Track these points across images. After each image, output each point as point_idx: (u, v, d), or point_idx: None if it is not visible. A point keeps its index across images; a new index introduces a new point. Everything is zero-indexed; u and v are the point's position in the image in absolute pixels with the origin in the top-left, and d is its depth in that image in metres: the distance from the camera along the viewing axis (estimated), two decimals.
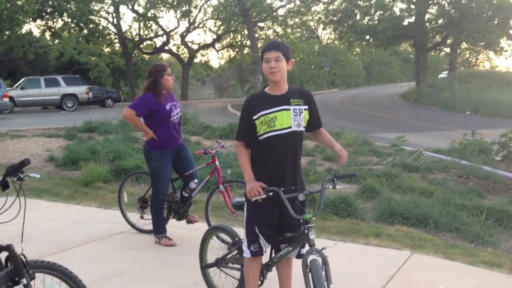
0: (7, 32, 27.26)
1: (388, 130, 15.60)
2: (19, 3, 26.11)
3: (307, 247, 2.81)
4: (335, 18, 35.58)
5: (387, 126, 17.45)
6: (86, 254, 4.54)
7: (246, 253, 3.00)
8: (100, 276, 3.93)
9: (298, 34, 37.05)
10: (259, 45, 33.74)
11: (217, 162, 4.88)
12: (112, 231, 5.24)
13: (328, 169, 8.03)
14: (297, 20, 38.50)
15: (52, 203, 6.54)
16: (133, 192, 6.52)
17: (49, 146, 9.91)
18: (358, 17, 34.55)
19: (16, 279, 2.42)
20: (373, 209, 6.11)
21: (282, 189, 2.78)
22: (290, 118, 2.87)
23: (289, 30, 37.81)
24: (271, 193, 2.75)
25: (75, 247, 4.72)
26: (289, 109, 2.88)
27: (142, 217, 5.16)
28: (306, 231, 2.77)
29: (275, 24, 36.70)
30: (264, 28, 37.36)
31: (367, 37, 35.42)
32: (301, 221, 2.80)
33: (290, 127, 2.87)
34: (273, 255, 3.08)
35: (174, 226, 5.02)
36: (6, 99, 19.72)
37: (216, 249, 3.59)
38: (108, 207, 6.36)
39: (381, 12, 33.02)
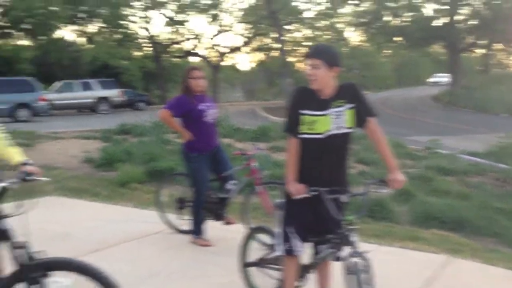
0: (42, 37, 28.00)
1: (421, 133, 15.40)
2: (54, 8, 26.76)
3: (348, 249, 2.81)
4: (364, 20, 35.30)
5: (420, 129, 17.23)
6: (124, 253, 4.64)
7: (279, 251, 3.04)
8: (138, 275, 4.02)
9: (329, 37, 36.82)
10: (288, 48, 33.76)
11: (254, 164, 4.94)
12: (149, 230, 5.35)
13: (360, 172, 8.00)
14: (325, 22, 38.35)
15: (91, 203, 6.72)
16: (169, 192, 6.63)
17: (86, 148, 10.17)
18: (387, 18, 34.20)
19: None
20: (408, 213, 6.06)
21: (325, 189, 2.80)
22: (330, 122, 2.85)
23: (317, 33, 37.67)
24: (314, 193, 2.78)
25: (113, 246, 4.83)
26: (330, 114, 2.85)
27: (180, 218, 5.25)
28: (347, 233, 2.79)
29: (303, 27, 36.65)
30: (292, 31, 37.34)
31: (397, 38, 35.01)
32: (342, 223, 2.81)
33: (329, 131, 2.85)
34: (314, 256, 3.10)
35: (211, 227, 5.08)
36: (43, 102, 20.27)
37: (256, 249, 3.64)
38: (144, 207, 6.48)
39: (411, 13, 32.60)
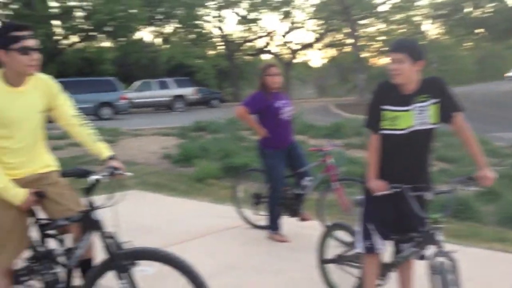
0: (123, 39, 29.36)
1: (506, 129, 14.53)
2: (133, 11, 27.98)
3: (432, 248, 2.72)
4: (442, 12, 33.85)
5: (505, 125, 16.26)
6: (204, 246, 4.76)
7: (359, 248, 3.00)
8: (217, 267, 4.10)
9: (405, 30, 35.68)
10: (361, 43, 33.11)
11: (330, 160, 4.89)
12: (226, 225, 5.45)
13: (442, 170, 7.69)
14: (401, 15, 37.19)
15: (170, 197, 6.97)
16: (245, 188, 6.73)
17: (164, 144, 10.55)
18: (468, 9, 32.56)
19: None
20: (494, 212, 5.74)
21: (408, 186, 2.72)
22: (413, 118, 2.77)
23: (392, 27, 36.61)
24: (396, 190, 2.71)
25: (193, 239, 4.98)
26: (413, 109, 2.77)
27: (256, 213, 5.32)
28: (432, 232, 2.69)
29: (377, 21, 35.76)
30: (366, 26, 36.56)
31: (479, 30, 33.25)
32: (427, 221, 2.72)
33: (412, 126, 2.77)
34: (395, 255, 3.03)
35: (286, 223, 5.10)
36: (124, 101, 21.27)
37: (334, 246, 3.61)
38: (221, 202, 6.62)
39: (494, 3, 30.82)
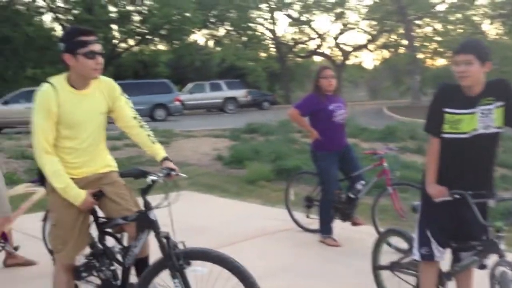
0: (177, 42, 30.00)
1: None
2: (188, 14, 28.55)
3: (494, 257, 2.62)
4: (503, 12, 32.44)
5: None
6: (255, 248, 4.77)
7: (416, 256, 2.92)
8: (268, 270, 4.09)
9: (462, 31, 34.45)
10: (417, 44, 32.27)
11: (385, 164, 4.80)
12: (277, 227, 5.45)
13: (502, 176, 7.37)
14: (459, 15, 35.95)
15: (221, 199, 7.05)
16: (296, 191, 6.70)
17: (216, 146, 10.68)
18: None
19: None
20: None
21: (470, 192, 2.63)
22: (476, 121, 2.67)
23: (450, 27, 35.43)
24: (457, 196, 2.62)
25: (244, 241, 5.00)
26: (477, 112, 2.66)
27: (307, 216, 5.29)
28: (495, 241, 2.59)
29: (434, 21, 34.72)
30: (422, 26, 35.59)
31: None
32: (489, 229, 2.61)
33: (475, 130, 2.67)
34: (454, 263, 2.93)
35: (338, 227, 5.04)
36: (177, 103, 21.72)
37: (389, 252, 3.53)
38: (272, 204, 6.63)
39: None
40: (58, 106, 2.60)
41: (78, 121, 2.68)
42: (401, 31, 33.58)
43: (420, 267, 2.97)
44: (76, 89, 2.68)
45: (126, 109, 2.88)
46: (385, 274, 3.48)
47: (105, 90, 2.79)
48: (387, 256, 3.49)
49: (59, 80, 2.67)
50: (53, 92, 2.60)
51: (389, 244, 3.91)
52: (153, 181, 2.61)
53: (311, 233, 5.22)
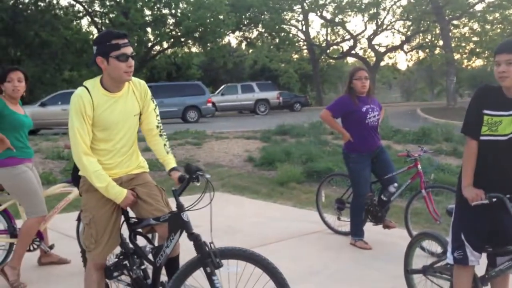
0: (210, 44, 30.28)
1: None
2: (221, 17, 28.78)
3: None
4: None
5: None
6: (286, 249, 4.75)
7: (449, 259, 2.85)
8: (299, 272, 4.08)
9: (500, 30, 33.53)
10: (453, 44, 31.57)
11: (419, 166, 4.71)
12: (308, 230, 5.42)
13: None
14: (497, 15, 35.01)
15: (252, 200, 7.06)
16: (327, 193, 6.65)
17: (247, 147, 10.70)
18: None
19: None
20: None
21: (508, 196, 2.55)
22: None
23: (487, 27, 34.54)
24: (494, 199, 2.54)
25: (275, 242, 4.99)
26: None
27: (338, 218, 5.24)
28: None
29: (471, 21, 33.91)
30: (459, 26, 34.81)
31: None
32: None
33: None
34: (489, 268, 2.84)
35: (370, 230, 4.97)
36: (209, 104, 21.91)
37: (422, 255, 3.46)
38: (303, 206, 6.60)
39: None
40: (92, 109, 2.66)
41: (112, 123, 2.73)
42: (437, 31, 32.92)
43: (454, 271, 2.90)
44: (110, 92, 2.73)
45: (152, 115, 2.92)
46: (418, 278, 3.41)
47: (137, 92, 2.83)
48: (420, 259, 3.42)
49: (93, 83, 2.72)
50: (87, 95, 2.65)
51: (423, 248, 3.83)
52: (188, 182, 2.64)
53: (342, 235, 5.17)
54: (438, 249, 3.40)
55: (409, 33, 36.25)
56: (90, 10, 29.16)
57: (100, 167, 2.69)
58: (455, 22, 33.75)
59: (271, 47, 36.59)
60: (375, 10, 34.94)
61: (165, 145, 2.92)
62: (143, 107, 2.87)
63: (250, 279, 2.57)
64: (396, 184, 4.80)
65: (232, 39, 40.02)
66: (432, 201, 4.66)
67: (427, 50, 35.68)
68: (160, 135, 2.93)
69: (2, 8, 23.48)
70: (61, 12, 28.50)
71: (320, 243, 4.98)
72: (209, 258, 2.49)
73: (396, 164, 5.40)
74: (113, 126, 2.73)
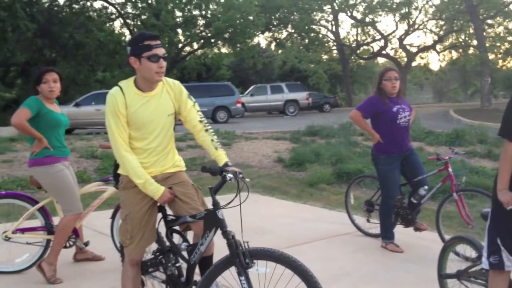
0: (239, 45, 30.41)
1: None
2: (251, 18, 28.88)
3: None
4: None
5: None
6: (315, 251, 4.75)
7: (485, 264, 2.80)
8: (329, 274, 4.06)
9: None
10: (487, 44, 30.85)
11: (450, 169, 4.63)
12: (337, 231, 5.40)
13: None
14: None
15: (281, 201, 7.07)
16: (357, 195, 6.62)
17: (277, 148, 10.72)
18: None
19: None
20: None
21: None
22: None
23: None
24: None
25: (305, 243, 5.00)
26: None
27: (368, 221, 5.20)
28: None
29: (506, 20, 33.07)
30: (494, 25, 33.99)
31: None
32: None
33: None
34: None
35: (400, 233, 4.92)
36: (239, 105, 22.01)
37: (455, 260, 3.41)
38: (332, 208, 6.58)
39: None
40: (125, 107, 2.74)
41: (145, 122, 2.79)
42: (471, 30, 32.21)
43: (489, 276, 2.85)
44: (143, 91, 2.80)
45: (192, 112, 2.95)
46: (452, 283, 3.36)
47: (171, 92, 2.89)
48: (454, 264, 3.37)
49: (127, 83, 2.81)
50: (120, 94, 2.74)
51: (456, 253, 3.78)
52: (224, 181, 2.67)
53: (371, 238, 5.13)
54: (472, 253, 3.34)
55: (441, 32, 35.58)
56: (122, 12, 29.66)
57: (139, 164, 2.76)
58: (489, 21, 32.99)
59: (301, 47, 36.47)
60: (406, 10, 34.41)
61: (212, 140, 2.92)
62: (180, 107, 2.92)
63: (282, 281, 2.59)
64: (426, 187, 4.73)
65: (261, 39, 40.01)
66: (464, 205, 4.58)
67: (460, 50, 34.98)
68: (206, 130, 2.94)
69: (38, 11, 24.10)
70: (95, 14, 29.08)
71: (350, 245, 4.96)
72: (237, 258, 2.52)
73: (427, 166, 5.34)
74: (146, 125, 2.79)
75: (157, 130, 2.84)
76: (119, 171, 2.89)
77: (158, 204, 2.89)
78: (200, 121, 2.95)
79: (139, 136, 2.81)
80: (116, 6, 29.48)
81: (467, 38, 34.49)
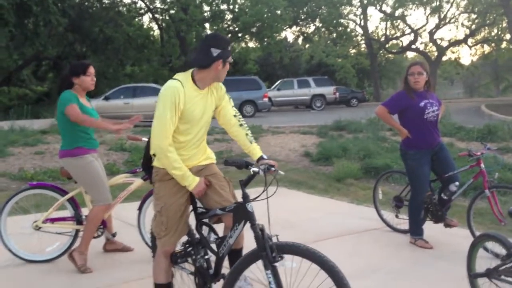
0: (267, 39, 30.36)
1: None
2: (278, 12, 28.77)
3: None
4: None
5: None
6: (343, 246, 4.71)
7: None
8: (357, 269, 4.01)
9: None
10: None
11: (482, 165, 4.52)
12: (365, 227, 5.34)
13: None
14: None
15: (308, 195, 7.04)
16: (385, 190, 6.52)
17: (304, 142, 10.67)
18: None
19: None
20: None
21: None
22: None
23: None
24: None
25: (332, 238, 4.96)
26: None
27: (397, 216, 5.13)
28: None
29: None
30: None
31: None
32: None
33: None
34: None
35: (430, 229, 4.83)
36: (266, 99, 21.99)
37: (486, 258, 3.33)
38: (360, 203, 6.51)
39: None
40: (184, 103, 2.76)
41: (196, 118, 2.84)
42: (504, 24, 31.38)
43: None
44: (199, 88, 2.84)
45: (228, 107, 3.01)
46: (482, 280, 3.29)
47: (215, 89, 2.95)
48: (484, 261, 3.30)
49: (185, 78, 2.83)
50: (181, 89, 2.76)
51: (486, 249, 3.68)
52: (254, 173, 2.65)
53: (401, 233, 5.06)
54: (502, 251, 3.26)
55: (473, 26, 34.78)
56: (151, 6, 29.94)
57: (178, 156, 2.78)
58: None
59: (328, 42, 36.21)
60: (437, 3, 33.76)
61: (247, 134, 2.97)
62: (219, 102, 2.99)
63: (308, 275, 2.56)
64: (457, 183, 4.63)
65: (289, 34, 39.90)
66: (496, 202, 4.47)
67: (493, 44, 34.14)
68: (240, 125, 2.99)
69: (69, 6, 24.53)
70: (124, 9, 29.44)
71: (378, 240, 4.90)
72: (264, 251, 2.51)
73: (458, 162, 5.22)
74: (195, 120, 2.83)
75: (201, 125, 2.90)
76: (154, 164, 2.90)
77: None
78: (235, 116, 2.99)
79: (186, 130, 2.84)
80: (145, 1, 29.78)
81: (499, 32, 33.63)
